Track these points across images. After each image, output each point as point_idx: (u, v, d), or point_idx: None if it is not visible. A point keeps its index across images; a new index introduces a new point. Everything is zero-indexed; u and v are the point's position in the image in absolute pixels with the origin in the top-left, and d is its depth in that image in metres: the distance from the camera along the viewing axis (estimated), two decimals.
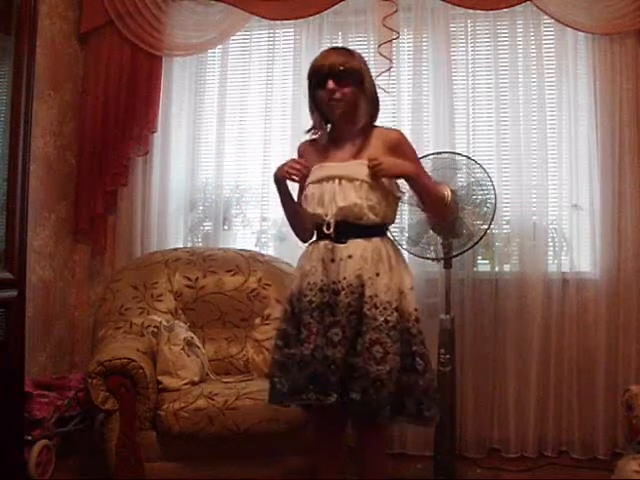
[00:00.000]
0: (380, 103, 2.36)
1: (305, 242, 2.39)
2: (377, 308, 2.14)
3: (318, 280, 2.20)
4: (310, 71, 2.30)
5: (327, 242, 2.22)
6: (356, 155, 2.27)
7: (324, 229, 2.21)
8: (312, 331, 2.16)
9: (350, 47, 3.51)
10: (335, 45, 2.46)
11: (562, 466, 3.29)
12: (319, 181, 2.26)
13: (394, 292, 2.18)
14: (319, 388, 2.12)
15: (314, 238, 2.33)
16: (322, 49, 3.56)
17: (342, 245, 2.20)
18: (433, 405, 2.17)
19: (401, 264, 2.28)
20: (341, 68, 2.22)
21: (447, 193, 2.54)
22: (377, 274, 2.17)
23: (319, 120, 2.33)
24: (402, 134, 2.35)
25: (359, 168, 2.21)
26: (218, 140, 3.77)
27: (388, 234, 2.35)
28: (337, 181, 2.22)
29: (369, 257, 2.19)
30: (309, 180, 2.29)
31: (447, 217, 2.72)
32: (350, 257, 2.18)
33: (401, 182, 2.34)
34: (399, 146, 2.29)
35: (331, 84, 2.22)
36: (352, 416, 2.27)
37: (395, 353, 2.12)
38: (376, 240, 2.23)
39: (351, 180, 2.21)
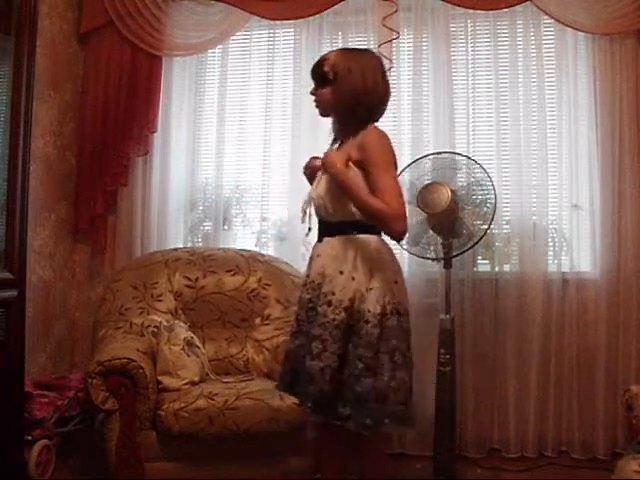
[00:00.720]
0: (372, 101, 2.23)
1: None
2: (330, 306, 2.15)
3: (305, 276, 2.32)
4: None
5: (316, 241, 2.31)
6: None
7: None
8: (294, 325, 2.31)
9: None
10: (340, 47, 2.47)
11: (562, 466, 3.29)
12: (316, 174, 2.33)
13: (349, 291, 2.15)
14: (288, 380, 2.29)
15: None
16: (322, 49, 3.65)
17: (319, 243, 2.28)
18: (364, 415, 2.07)
19: (375, 263, 2.18)
20: (318, 71, 2.27)
21: (383, 210, 2.11)
22: (341, 272, 2.17)
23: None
24: (377, 138, 2.20)
25: (332, 160, 2.22)
26: (218, 140, 3.77)
27: (368, 235, 2.23)
28: (320, 172, 2.28)
29: (334, 255, 2.20)
30: None
31: (384, 227, 2.22)
32: (319, 255, 2.25)
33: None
34: (364, 147, 2.17)
35: (312, 87, 2.31)
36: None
37: (333, 352, 2.12)
38: (343, 238, 2.21)
39: (324, 173, 2.24)
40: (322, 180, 2.24)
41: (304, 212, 2.30)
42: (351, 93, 2.19)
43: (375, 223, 2.19)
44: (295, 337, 2.28)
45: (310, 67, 2.34)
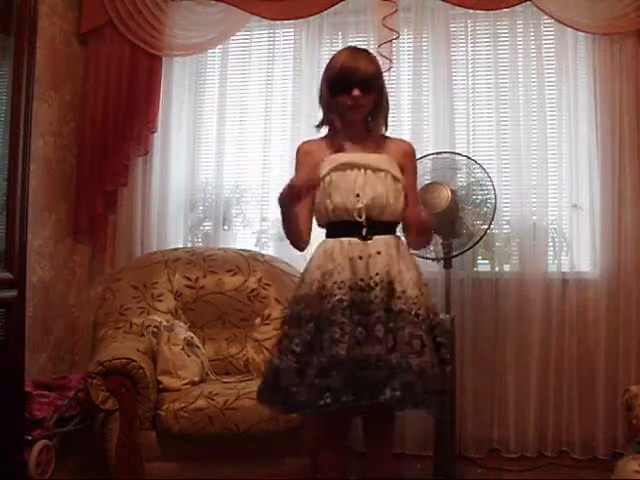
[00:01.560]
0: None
1: (301, 250, 2.32)
2: (406, 303, 2.13)
3: (346, 278, 2.14)
4: (334, 72, 2.22)
5: (351, 239, 2.18)
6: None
7: (355, 216, 2.16)
8: (345, 331, 2.08)
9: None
10: (355, 46, 2.38)
11: (562, 466, 3.29)
12: (342, 168, 2.20)
13: (417, 287, 2.18)
14: (357, 389, 2.05)
15: (323, 237, 2.28)
16: (322, 49, 3.65)
17: (369, 242, 2.17)
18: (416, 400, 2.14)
19: (414, 261, 2.29)
20: (370, 78, 2.20)
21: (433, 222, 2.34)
22: (400, 271, 2.17)
23: (333, 119, 2.27)
24: (414, 147, 2.38)
25: (384, 160, 2.22)
26: (218, 140, 3.77)
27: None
28: (362, 170, 2.20)
29: (393, 254, 2.19)
30: (327, 168, 2.21)
31: (427, 243, 2.51)
32: (379, 253, 2.16)
33: None
34: (409, 157, 2.32)
35: (357, 92, 2.18)
36: (391, 412, 2.24)
37: (429, 346, 2.13)
38: (394, 237, 2.24)
39: (375, 170, 2.20)
40: (374, 178, 2.19)
41: (360, 215, 2.18)
42: (387, 99, 2.31)
43: (423, 237, 2.33)
44: (385, 340, 2.08)
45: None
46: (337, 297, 2.11)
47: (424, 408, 2.14)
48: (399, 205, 2.22)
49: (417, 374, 2.06)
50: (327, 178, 2.20)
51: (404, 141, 2.41)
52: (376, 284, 2.12)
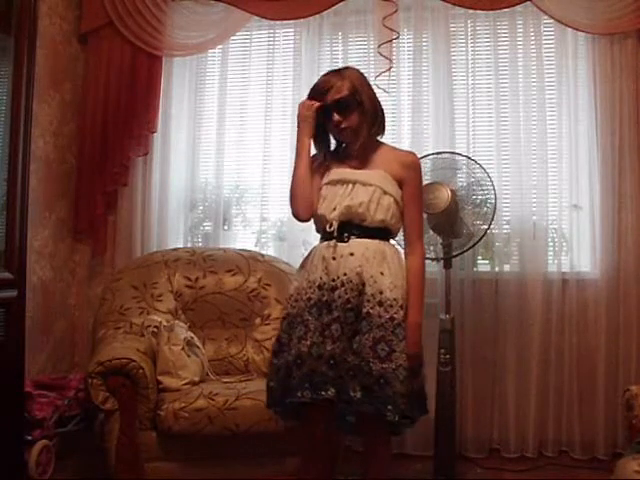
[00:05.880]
0: (384, 112, 2.36)
1: (301, 220, 2.35)
2: (382, 305, 2.15)
3: (317, 278, 2.23)
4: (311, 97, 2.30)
5: (329, 242, 2.25)
6: (371, 168, 2.30)
7: (327, 227, 2.25)
8: (309, 328, 2.19)
9: (349, 50, 3.60)
10: (330, 70, 2.39)
11: (562, 466, 3.29)
12: (333, 183, 2.29)
13: (400, 290, 2.20)
14: (315, 385, 2.13)
15: (318, 242, 2.35)
16: (322, 49, 3.65)
17: (344, 244, 2.23)
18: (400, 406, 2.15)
19: (402, 265, 2.29)
20: (343, 100, 2.23)
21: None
22: (382, 273, 2.20)
23: (321, 145, 2.35)
24: (418, 160, 2.38)
25: (375, 175, 2.26)
26: (218, 140, 3.77)
27: (392, 242, 2.35)
28: (350, 185, 2.26)
29: (371, 256, 2.21)
30: (323, 181, 2.32)
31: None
32: (352, 255, 2.21)
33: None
34: (409, 168, 2.30)
35: (336, 117, 2.24)
36: (354, 414, 2.25)
37: (402, 351, 2.14)
38: (379, 242, 2.26)
39: (365, 184, 2.24)
40: (360, 190, 2.23)
41: (330, 225, 2.24)
42: (377, 107, 2.31)
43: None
44: (340, 340, 2.15)
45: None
46: (307, 295, 2.23)
47: (385, 415, 2.11)
48: (387, 215, 2.25)
49: (376, 379, 2.10)
50: (321, 191, 2.31)
51: (408, 153, 2.41)
52: (342, 284, 2.19)
